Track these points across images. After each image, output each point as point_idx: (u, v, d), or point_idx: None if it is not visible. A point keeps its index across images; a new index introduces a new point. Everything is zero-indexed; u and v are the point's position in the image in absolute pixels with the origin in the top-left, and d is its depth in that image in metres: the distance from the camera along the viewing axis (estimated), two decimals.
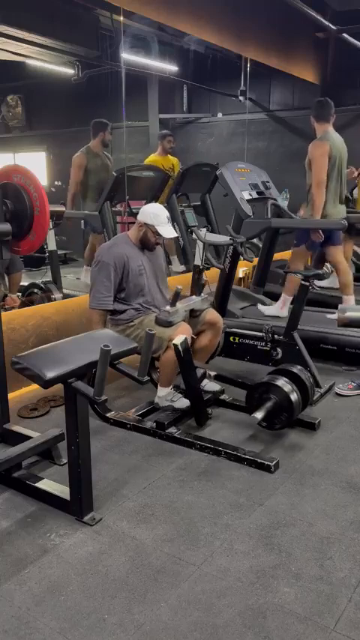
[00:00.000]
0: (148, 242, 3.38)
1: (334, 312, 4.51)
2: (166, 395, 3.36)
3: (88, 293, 3.43)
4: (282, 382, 3.13)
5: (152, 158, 6.87)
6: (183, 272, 5.91)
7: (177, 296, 3.19)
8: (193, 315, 3.44)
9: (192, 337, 3.30)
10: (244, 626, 1.91)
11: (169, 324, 3.15)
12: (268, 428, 3.18)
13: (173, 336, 3.10)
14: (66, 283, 5.84)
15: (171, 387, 3.39)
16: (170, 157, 7.01)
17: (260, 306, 4.95)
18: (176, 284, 3.44)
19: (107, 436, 3.26)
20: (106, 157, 6.35)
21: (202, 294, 3.75)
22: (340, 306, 4.56)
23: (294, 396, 3.09)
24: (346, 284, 4.76)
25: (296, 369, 3.30)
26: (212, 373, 3.65)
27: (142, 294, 3.39)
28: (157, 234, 3.33)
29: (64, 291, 5.48)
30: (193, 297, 3.61)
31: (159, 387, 3.40)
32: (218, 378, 3.66)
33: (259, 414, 3.06)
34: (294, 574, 2.15)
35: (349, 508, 2.56)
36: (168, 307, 3.22)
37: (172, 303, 3.21)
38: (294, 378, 3.19)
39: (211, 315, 3.52)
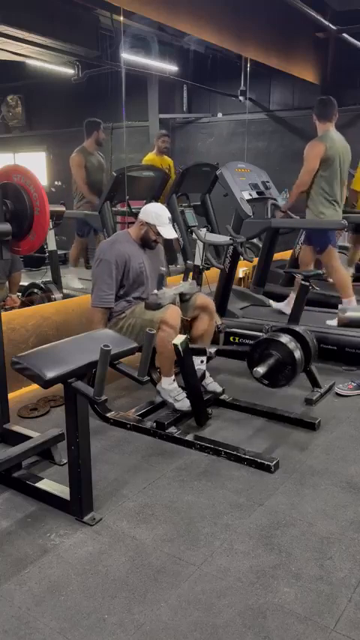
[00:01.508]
0: (148, 241, 3.42)
1: (332, 318, 4.51)
2: (170, 389, 3.34)
3: (87, 293, 3.45)
4: (285, 339, 3.13)
5: (149, 157, 6.85)
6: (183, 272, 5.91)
7: (162, 278, 3.24)
8: (183, 299, 3.46)
9: (186, 320, 3.36)
10: (244, 626, 1.91)
11: (158, 307, 3.18)
12: (272, 385, 3.13)
13: (164, 318, 3.13)
14: (66, 283, 5.84)
15: (173, 376, 3.36)
16: (166, 157, 6.99)
17: (272, 302, 4.98)
18: (176, 284, 3.45)
19: (107, 436, 3.26)
20: (100, 156, 6.33)
21: (192, 281, 3.75)
22: (340, 306, 4.57)
23: (297, 353, 3.08)
24: (343, 286, 4.70)
25: (299, 328, 3.29)
26: (213, 349, 3.62)
27: (139, 290, 3.41)
28: (157, 233, 3.37)
29: (64, 291, 5.48)
30: (181, 282, 3.62)
31: (162, 377, 3.39)
32: (220, 352, 3.61)
33: (261, 369, 3.03)
34: (294, 574, 2.15)
35: (349, 508, 2.55)
36: (155, 290, 3.26)
37: (158, 287, 3.28)
38: (295, 336, 3.20)
39: (202, 299, 3.53)
